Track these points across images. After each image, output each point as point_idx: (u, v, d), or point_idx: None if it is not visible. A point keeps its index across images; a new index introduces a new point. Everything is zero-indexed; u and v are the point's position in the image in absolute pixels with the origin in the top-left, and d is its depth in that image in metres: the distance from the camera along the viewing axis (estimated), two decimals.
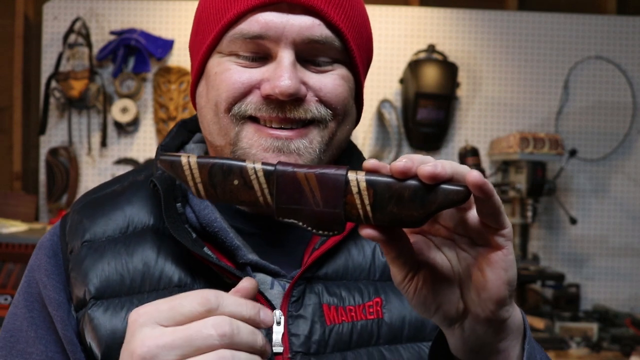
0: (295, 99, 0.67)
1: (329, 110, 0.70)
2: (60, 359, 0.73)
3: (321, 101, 0.69)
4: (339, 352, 0.68)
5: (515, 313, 0.57)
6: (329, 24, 0.68)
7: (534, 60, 2.72)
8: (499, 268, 0.52)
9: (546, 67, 2.73)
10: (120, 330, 0.68)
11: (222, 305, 0.49)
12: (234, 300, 0.50)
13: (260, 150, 0.68)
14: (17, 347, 0.74)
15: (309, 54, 0.69)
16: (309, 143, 0.69)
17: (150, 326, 0.48)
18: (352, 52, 0.71)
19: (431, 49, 2.65)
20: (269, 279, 0.71)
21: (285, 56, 0.67)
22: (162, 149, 0.77)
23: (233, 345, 0.49)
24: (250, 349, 0.50)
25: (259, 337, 0.50)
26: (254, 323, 0.52)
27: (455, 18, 2.72)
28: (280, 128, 0.69)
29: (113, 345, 0.68)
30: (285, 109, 0.67)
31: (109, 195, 0.78)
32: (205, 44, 0.71)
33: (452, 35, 2.72)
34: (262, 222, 0.75)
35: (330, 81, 0.69)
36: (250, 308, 0.51)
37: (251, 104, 0.68)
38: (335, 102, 0.70)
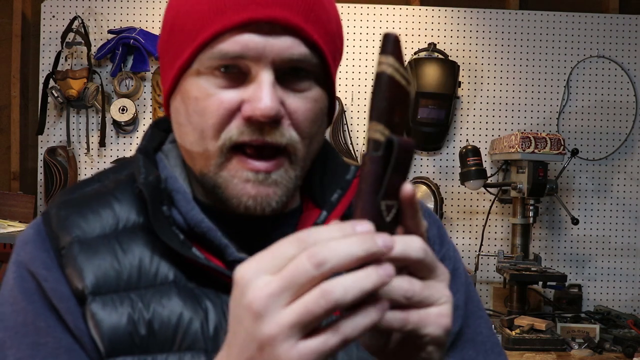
0: (274, 120, 0.68)
1: (298, 135, 0.71)
2: (78, 348, 0.69)
3: (293, 124, 0.70)
4: None
5: None
6: (308, 42, 0.69)
7: (535, 59, 2.71)
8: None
9: (548, 66, 2.71)
10: (122, 326, 0.68)
11: (318, 238, 0.48)
12: (327, 228, 0.48)
13: (241, 181, 0.70)
14: (25, 341, 0.69)
15: (287, 72, 0.70)
16: (284, 172, 0.71)
17: (257, 278, 0.48)
18: (329, 67, 0.72)
19: (432, 47, 2.64)
20: None
21: (265, 77, 0.67)
22: (140, 152, 0.77)
23: (334, 269, 0.46)
24: (355, 261, 0.47)
25: (360, 247, 0.47)
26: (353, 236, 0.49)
27: (457, 17, 2.70)
28: (260, 158, 0.70)
29: (115, 340, 0.67)
30: (264, 132, 0.68)
31: (93, 192, 0.77)
32: (180, 60, 0.70)
33: (453, 35, 2.70)
34: (238, 224, 0.75)
35: (303, 105, 0.71)
36: (344, 228, 0.48)
37: (235, 129, 0.69)
38: (304, 127, 0.71)
